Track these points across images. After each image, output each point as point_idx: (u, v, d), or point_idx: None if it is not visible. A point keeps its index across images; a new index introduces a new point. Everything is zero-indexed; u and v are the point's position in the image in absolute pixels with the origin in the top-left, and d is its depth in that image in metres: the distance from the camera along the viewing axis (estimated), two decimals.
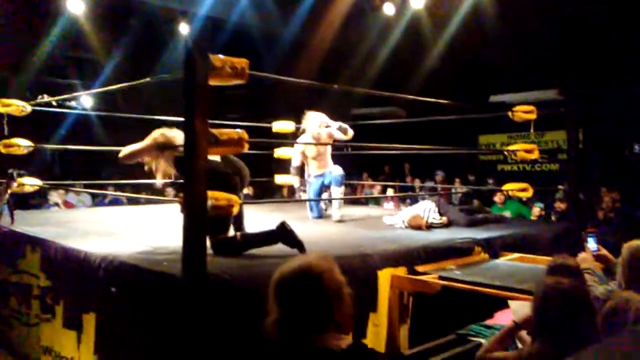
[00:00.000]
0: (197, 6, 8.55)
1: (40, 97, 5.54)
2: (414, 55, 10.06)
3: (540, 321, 1.96)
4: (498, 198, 7.30)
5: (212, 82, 2.66)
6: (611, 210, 7.13)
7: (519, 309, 2.37)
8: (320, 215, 5.16)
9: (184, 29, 8.49)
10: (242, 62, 2.79)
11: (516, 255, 3.96)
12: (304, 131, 5.13)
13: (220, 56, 2.69)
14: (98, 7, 8.26)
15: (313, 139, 4.94)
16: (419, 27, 9.10)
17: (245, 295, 2.53)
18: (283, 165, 6.65)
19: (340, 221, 4.82)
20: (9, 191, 4.16)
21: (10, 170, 4.27)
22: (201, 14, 8.52)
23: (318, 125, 4.93)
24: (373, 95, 5.75)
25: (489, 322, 2.92)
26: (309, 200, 5.18)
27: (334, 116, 5.13)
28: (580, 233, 5.17)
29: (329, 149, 5.13)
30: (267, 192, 9.28)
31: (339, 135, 5.04)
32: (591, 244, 3.02)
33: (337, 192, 4.99)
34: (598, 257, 2.94)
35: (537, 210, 6.99)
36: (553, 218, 6.99)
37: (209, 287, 2.45)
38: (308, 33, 9.89)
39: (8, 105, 4.77)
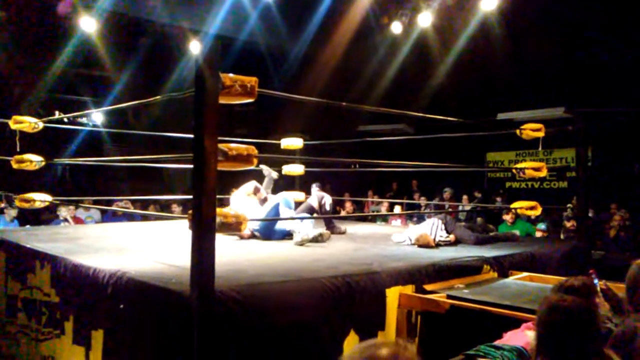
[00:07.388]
0: (207, 25, 8.67)
1: (52, 114, 5.64)
2: (422, 72, 10.12)
3: (543, 338, 1.92)
4: (509, 217, 7.24)
5: (222, 101, 2.68)
6: (621, 229, 7.06)
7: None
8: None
9: (194, 47, 8.58)
10: (251, 81, 2.80)
11: (525, 274, 3.92)
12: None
13: (230, 75, 2.71)
14: (110, 25, 8.40)
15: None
16: (427, 45, 9.17)
17: (253, 313, 2.52)
18: (291, 182, 6.69)
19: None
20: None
21: None
22: (211, 33, 8.63)
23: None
24: (381, 112, 5.77)
25: (498, 342, 2.88)
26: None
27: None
28: (589, 252, 5.14)
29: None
30: None
31: None
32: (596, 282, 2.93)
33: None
34: (606, 296, 2.85)
35: (539, 233, 6.87)
36: (562, 236, 6.93)
37: (217, 304, 2.45)
38: (316, 50, 9.99)
39: (20, 122, 4.85)
